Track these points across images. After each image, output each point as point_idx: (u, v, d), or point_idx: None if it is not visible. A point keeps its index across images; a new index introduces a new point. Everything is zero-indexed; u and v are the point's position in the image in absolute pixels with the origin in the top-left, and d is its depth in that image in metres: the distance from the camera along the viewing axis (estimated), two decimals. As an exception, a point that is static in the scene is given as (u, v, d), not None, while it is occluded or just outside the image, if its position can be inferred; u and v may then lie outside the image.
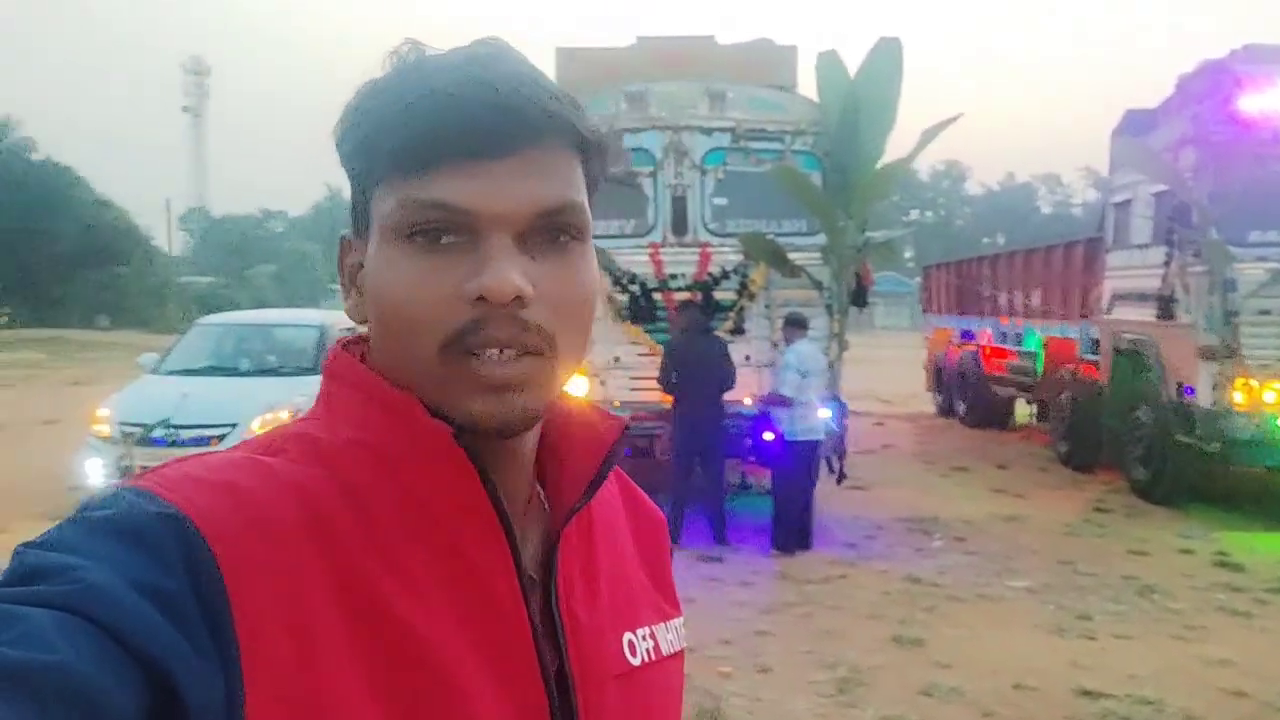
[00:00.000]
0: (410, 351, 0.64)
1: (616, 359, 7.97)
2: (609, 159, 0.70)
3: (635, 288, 7.86)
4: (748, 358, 7.87)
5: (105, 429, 7.70)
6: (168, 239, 55.47)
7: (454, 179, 0.62)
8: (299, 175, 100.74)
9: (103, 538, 0.54)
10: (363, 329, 0.71)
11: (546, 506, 0.75)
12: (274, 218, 75.80)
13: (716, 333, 7.62)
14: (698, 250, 7.90)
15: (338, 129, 0.67)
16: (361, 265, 0.68)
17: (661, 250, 7.91)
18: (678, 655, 0.81)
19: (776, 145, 7.95)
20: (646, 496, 0.89)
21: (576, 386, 7.68)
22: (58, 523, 0.56)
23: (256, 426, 7.50)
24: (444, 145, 0.61)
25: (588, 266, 0.68)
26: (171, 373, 8.67)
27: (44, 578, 0.51)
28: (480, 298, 0.62)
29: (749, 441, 7.75)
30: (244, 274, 53.95)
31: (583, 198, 0.67)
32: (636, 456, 8.44)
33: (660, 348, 7.56)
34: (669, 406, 7.41)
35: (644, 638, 0.76)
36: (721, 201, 8.03)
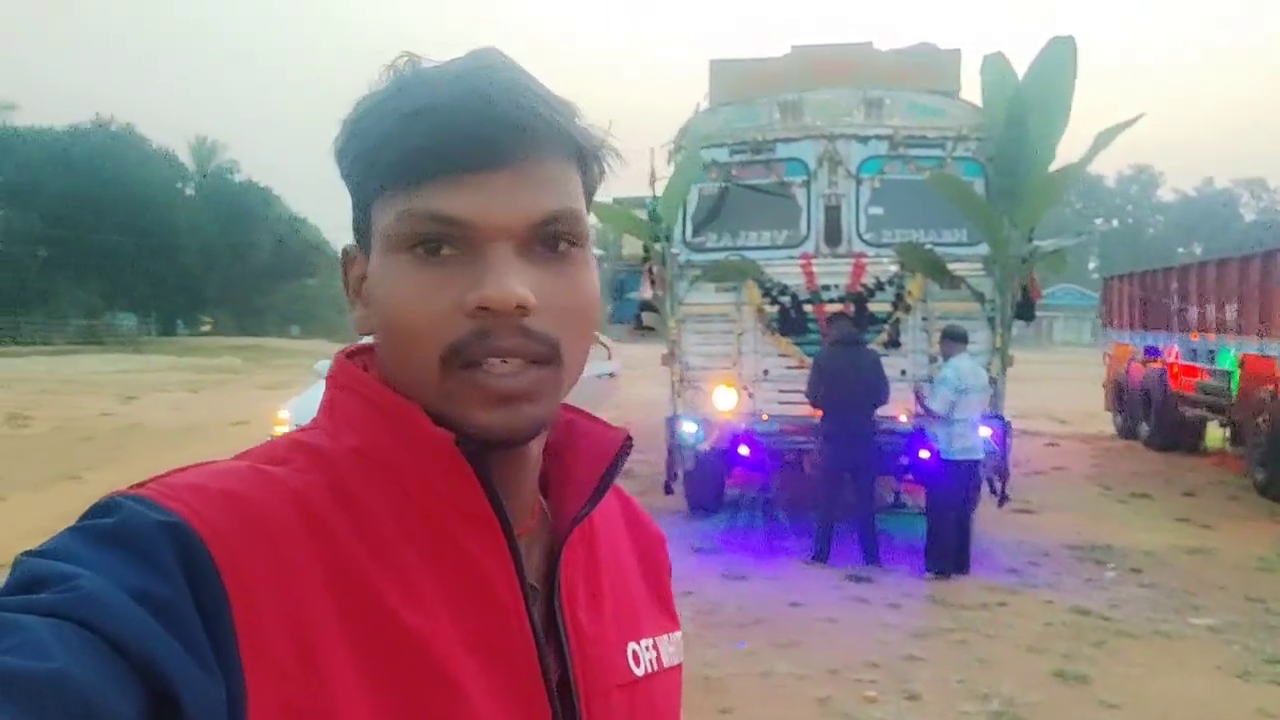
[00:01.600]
0: (412, 362, 0.65)
1: (765, 372, 7.86)
2: (606, 164, 0.70)
3: (786, 299, 7.73)
4: (903, 372, 7.61)
5: (284, 430, 8.27)
6: (352, 253, 59.16)
7: (452, 191, 0.62)
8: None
9: (103, 546, 0.54)
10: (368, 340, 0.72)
11: (549, 515, 0.74)
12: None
13: (870, 346, 7.41)
14: (851, 261, 7.71)
15: (337, 142, 0.68)
16: (365, 277, 0.69)
17: (814, 261, 7.75)
18: (677, 669, 0.81)
19: (936, 152, 7.67)
20: (645, 512, 0.88)
21: (725, 399, 7.77)
22: (59, 531, 0.57)
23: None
24: (442, 158, 0.62)
25: (588, 272, 0.68)
26: (344, 378, 9.22)
27: (43, 586, 0.51)
28: (481, 308, 0.62)
29: (904, 459, 7.50)
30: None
31: (581, 205, 0.67)
32: (785, 471, 8.31)
33: (810, 361, 7.41)
34: (818, 421, 7.25)
35: (647, 648, 0.76)
36: (877, 211, 7.81)
